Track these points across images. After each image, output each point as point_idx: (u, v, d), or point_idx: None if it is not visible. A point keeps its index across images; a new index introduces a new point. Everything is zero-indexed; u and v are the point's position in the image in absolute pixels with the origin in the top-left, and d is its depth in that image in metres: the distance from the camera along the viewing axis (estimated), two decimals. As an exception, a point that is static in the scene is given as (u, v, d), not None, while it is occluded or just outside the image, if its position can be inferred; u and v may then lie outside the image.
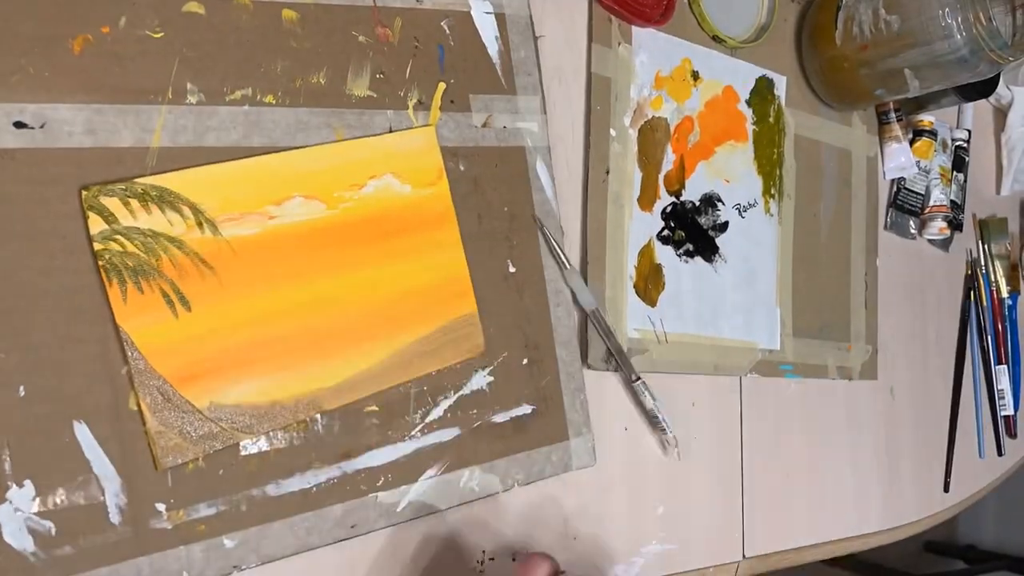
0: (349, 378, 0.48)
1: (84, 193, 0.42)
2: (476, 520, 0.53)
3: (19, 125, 0.41)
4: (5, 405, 0.40)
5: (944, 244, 0.88)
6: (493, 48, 0.55)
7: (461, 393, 0.52)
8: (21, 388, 0.40)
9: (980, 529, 2.14)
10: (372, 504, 0.49)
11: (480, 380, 0.53)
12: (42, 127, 0.41)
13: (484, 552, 0.54)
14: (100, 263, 0.42)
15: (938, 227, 0.85)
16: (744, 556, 0.68)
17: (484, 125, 0.54)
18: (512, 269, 0.55)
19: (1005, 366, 0.92)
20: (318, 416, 0.47)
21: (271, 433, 0.46)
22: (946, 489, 0.88)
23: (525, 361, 0.55)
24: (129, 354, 0.42)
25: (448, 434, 0.52)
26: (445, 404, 0.52)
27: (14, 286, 0.40)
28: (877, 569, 1.85)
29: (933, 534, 2.11)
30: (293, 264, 0.47)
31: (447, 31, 0.53)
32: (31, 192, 0.41)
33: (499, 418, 0.54)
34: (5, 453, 0.40)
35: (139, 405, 0.42)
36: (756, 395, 0.69)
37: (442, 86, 0.53)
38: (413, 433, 0.51)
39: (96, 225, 0.42)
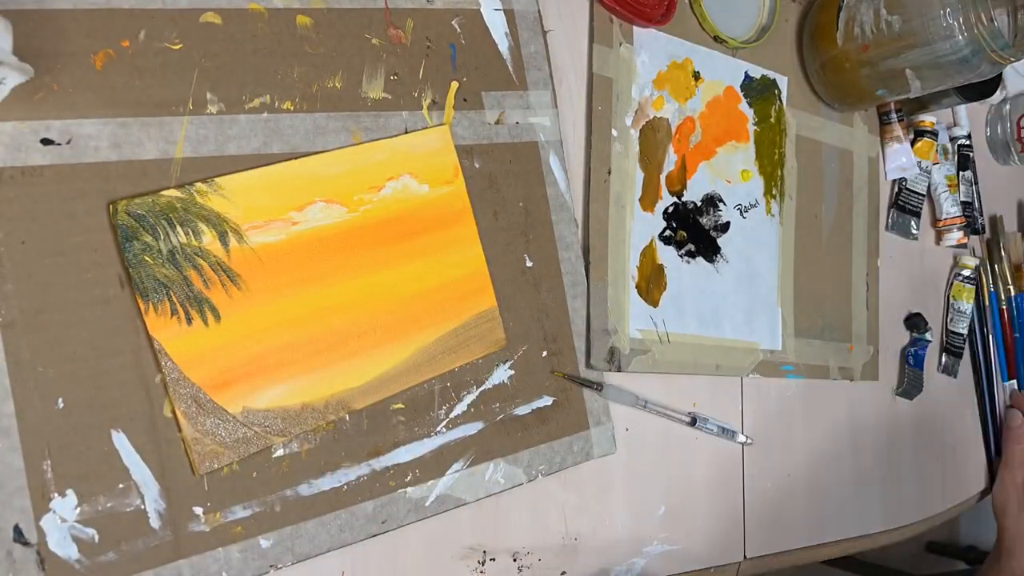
0: (376, 377, 0.49)
1: (111, 208, 0.42)
2: (477, 520, 0.53)
3: (46, 142, 0.41)
4: (45, 417, 0.40)
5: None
6: (503, 45, 0.56)
7: (483, 387, 0.53)
8: (60, 400, 0.41)
9: (981, 530, 2.14)
10: (401, 499, 0.50)
11: (501, 374, 0.54)
12: (68, 143, 0.42)
13: (485, 552, 0.54)
14: (130, 276, 0.42)
15: (956, 239, 0.86)
16: (745, 556, 0.68)
17: (497, 122, 0.55)
18: (529, 263, 0.56)
19: (1014, 381, 0.93)
20: (347, 416, 0.48)
21: (302, 434, 0.47)
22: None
23: (544, 354, 0.56)
24: (163, 363, 0.43)
25: (472, 428, 0.53)
26: (468, 399, 0.53)
27: (49, 301, 0.41)
28: (878, 570, 1.85)
29: (934, 534, 2.10)
30: (317, 268, 0.48)
31: (458, 30, 0.54)
32: (61, 208, 0.41)
33: (521, 411, 0.55)
34: (47, 463, 0.40)
35: (174, 413, 0.43)
36: (757, 395, 0.69)
37: (455, 85, 0.53)
38: (438, 429, 0.51)
39: (124, 240, 0.42)
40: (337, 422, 0.48)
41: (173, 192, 0.44)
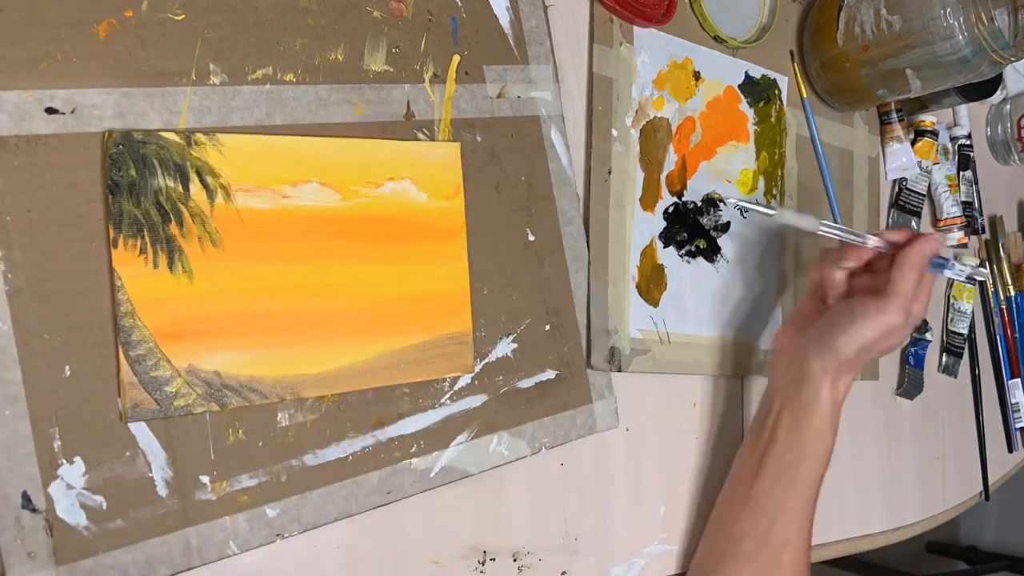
0: (333, 370, 0.48)
1: (106, 135, 0.42)
2: (477, 520, 0.53)
3: (50, 111, 0.41)
4: (52, 384, 0.41)
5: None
6: (504, 19, 0.56)
7: (487, 360, 0.53)
8: (67, 368, 0.41)
9: (981, 530, 2.14)
10: (406, 470, 0.50)
11: (505, 347, 0.54)
12: (73, 112, 0.42)
13: (485, 552, 0.54)
14: (108, 205, 0.42)
15: (956, 239, 0.86)
16: (745, 556, 0.67)
17: (499, 96, 0.55)
18: (532, 238, 0.56)
19: (1019, 380, 0.93)
20: (291, 402, 0.47)
21: (308, 403, 0.47)
22: (986, 498, 0.90)
23: (547, 328, 0.56)
24: (118, 298, 0.42)
25: (476, 400, 0.53)
26: (472, 371, 0.53)
27: (54, 269, 0.41)
28: (879, 570, 1.85)
29: (935, 535, 2.11)
30: (298, 246, 0.47)
31: (459, 3, 0.54)
32: (65, 176, 0.42)
33: (524, 384, 0.55)
34: (55, 431, 0.40)
35: (116, 351, 0.42)
36: (758, 395, 0.69)
37: (456, 58, 0.54)
38: (443, 400, 0.52)
39: (112, 168, 0.42)
40: (322, 400, 0.48)
41: (172, 136, 0.44)
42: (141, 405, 0.43)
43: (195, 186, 0.44)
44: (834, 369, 0.56)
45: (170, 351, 0.44)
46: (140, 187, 0.43)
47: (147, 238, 0.43)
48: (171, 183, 0.44)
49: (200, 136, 0.44)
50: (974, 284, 0.83)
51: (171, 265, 0.44)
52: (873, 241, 0.57)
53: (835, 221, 0.74)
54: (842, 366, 0.57)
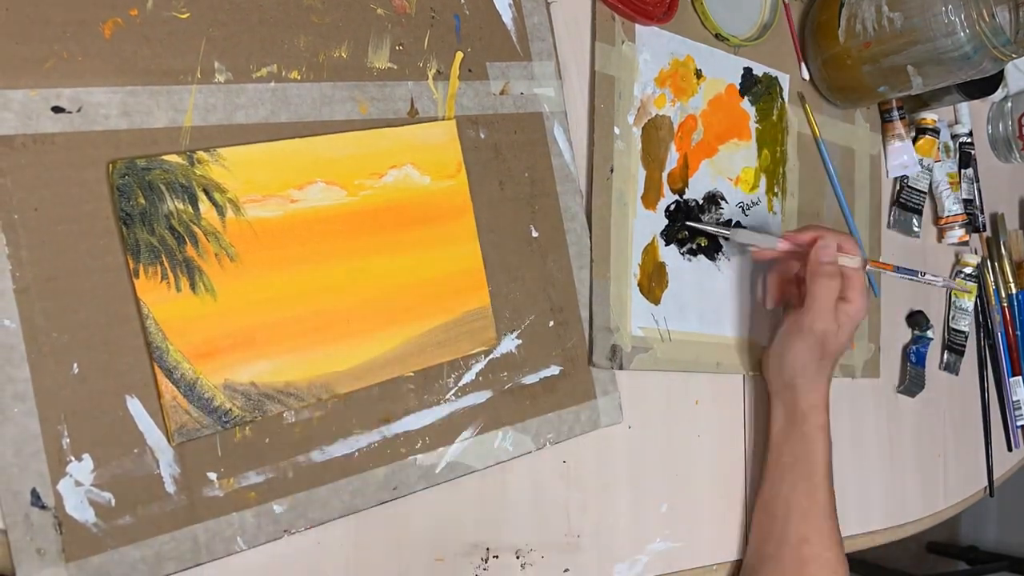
0: (362, 363, 0.49)
1: (110, 167, 0.42)
2: (480, 517, 0.53)
3: (57, 110, 0.42)
4: (61, 382, 0.41)
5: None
6: (507, 15, 0.56)
7: (491, 357, 0.54)
8: (75, 366, 0.41)
9: (982, 530, 2.14)
10: (412, 466, 0.50)
11: (509, 343, 0.54)
12: (79, 111, 0.42)
13: (488, 549, 0.54)
14: (123, 237, 0.42)
15: (957, 236, 0.86)
16: (747, 554, 0.68)
17: (502, 92, 0.55)
18: (535, 234, 0.56)
19: (1020, 377, 0.93)
20: (328, 401, 0.48)
21: (305, 406, 0.47)
22: (991, 494, 0.91)
23: (551, 324, 0.56)
24: (148, 327, 0.43)
25: (481, 397, 0.53)
26: (477, 368, 0.53)
27: (61, 267, 0.41)
28: (879, 570, 1.85)
29: (935, 534, 2.10)
30: (312, 248, 0.48)
31: (462, 0, 0.54)
32: (72, 175, 0.42)
33: (529, 380, 0.55)
34: (63, 428, 0.41)
35: (155, 378, 0.43)
36: (760, 393, 0.69)
37: (460, 55, 0.54)
38: (448, 397, 0.52)
39: (121, 199, 0.42)
40: (330, 400, 0.48)
41: (174, 158, 0.44)
42: (186, 426, 0.44)
43: (204, 204, 0.45)
44: (798, 383, 0.60)
45: (205, 369, 0.44)
46: (151, 214, 0.43)
47: (166, 263, 0.43)
48: (181, 205, 0.44)
49: (202, 154, 0.45)
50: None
51: (193, 286, 0.44)
52: (782, 244, 0.61)
53: (847, 222, 0.75)
54: (801, 379, 0.60)
